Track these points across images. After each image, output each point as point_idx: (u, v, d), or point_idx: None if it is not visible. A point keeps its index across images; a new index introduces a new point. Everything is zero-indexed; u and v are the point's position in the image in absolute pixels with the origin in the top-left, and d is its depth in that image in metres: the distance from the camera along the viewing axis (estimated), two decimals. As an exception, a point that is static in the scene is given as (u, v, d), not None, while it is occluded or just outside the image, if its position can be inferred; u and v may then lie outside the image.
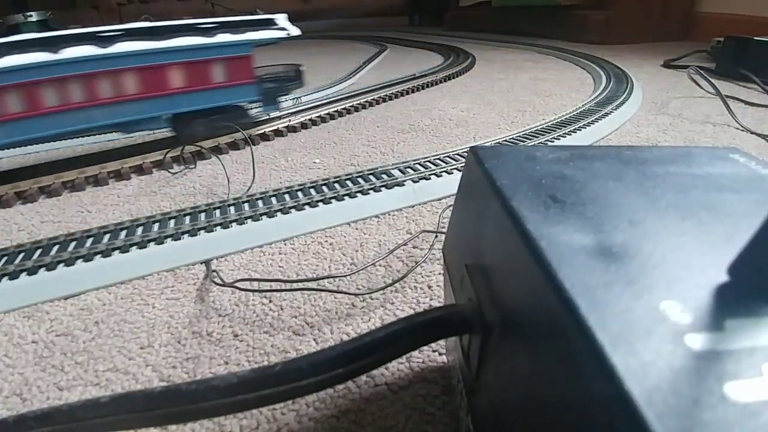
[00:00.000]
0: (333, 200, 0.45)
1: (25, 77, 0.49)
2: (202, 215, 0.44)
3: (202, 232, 0.41)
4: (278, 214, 0.43)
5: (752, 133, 0.64)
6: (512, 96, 0.91)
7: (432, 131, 0.71)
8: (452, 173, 0.51)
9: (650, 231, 0.13)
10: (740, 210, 0.15)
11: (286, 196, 0.47)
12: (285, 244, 0.41)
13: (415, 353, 0.27)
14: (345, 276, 0.35)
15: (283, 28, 0.66)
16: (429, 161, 0.55)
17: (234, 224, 0.42)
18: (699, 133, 0.65)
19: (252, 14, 0.67)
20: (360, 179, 0.50)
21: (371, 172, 0.52)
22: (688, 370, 0.09)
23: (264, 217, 0.43)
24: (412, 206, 0.47)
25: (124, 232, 0.41)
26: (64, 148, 0.73)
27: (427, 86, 1.03)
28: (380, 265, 0.37)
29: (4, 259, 0.38)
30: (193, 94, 0.60)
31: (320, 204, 0.45)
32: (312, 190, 0.48)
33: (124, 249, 0.38)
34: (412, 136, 0.69)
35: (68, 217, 0.48)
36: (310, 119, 0.77)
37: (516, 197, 0.15)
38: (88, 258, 0.37)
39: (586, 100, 0.80)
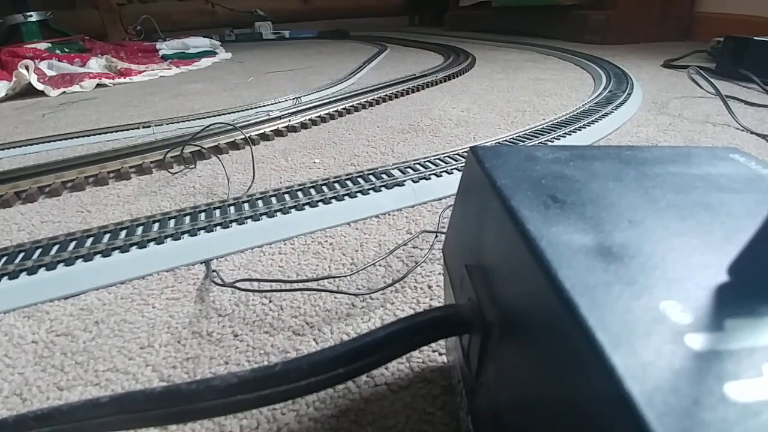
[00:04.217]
0: (333, 200, 0.45)
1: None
2: (202, 215, 0.44)
3: (202, 232, 0.41)
4: (278, 214, 0.43)
5: (752, 133, 0.64)
6: (512, 96, 0.91)
7: (432, 131, 0.71)
8: (452, 173, 0.51)
9: (650, 231, 0.13)
10: (740, 210, 0.15)
11: (286, 196, 0.47)
12: (285, 244, 0.41)
13: (415, 353, 0.27)
14: (345, 276, 0.35)
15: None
16: (429, 161, 0.55)
17: (234, 224, 0.42)
18: (699, 133, 0.65)
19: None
20: (360, 179, 0.50)
21: (371, 172, 0.52)
22: (688, 370, 0.09)
23: (264, 217, 0.43)
24: (412, 206, 0.47)
25: (124, 232, 0.41)
26: (64, 148, 0.73)
27: (427, 86, 1.03)
28: (380, 265, 0.37)
29: (4, 259, 0.38)
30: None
31: (320, 204, 0.45)
32: (312, 190, 0.48)
33: (124, 249, 0.38)
34: (412, 136, 0.69)
35: (68, 217, 0.48)
36: (310, 119, 0.77)
37: (516, 197, 0.15)
38: (88, 258, 0.37)
39: (586, 100, 0.80)
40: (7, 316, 0.33)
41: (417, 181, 0.49)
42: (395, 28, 2.79)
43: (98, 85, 1.29)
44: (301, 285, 0.35)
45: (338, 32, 2.36)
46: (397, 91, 0.95)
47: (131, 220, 0.43)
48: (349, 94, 0.92)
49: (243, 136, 0.67)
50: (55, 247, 0.39)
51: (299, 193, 0.48)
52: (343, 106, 0.84)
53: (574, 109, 0.74)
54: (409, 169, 0.52)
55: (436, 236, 0.40)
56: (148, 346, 0.29)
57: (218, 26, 2.61)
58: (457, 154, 0.56)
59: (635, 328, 0.10)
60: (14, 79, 1.20)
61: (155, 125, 0.81)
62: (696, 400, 0.08)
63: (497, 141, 0.62)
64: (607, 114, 0.71)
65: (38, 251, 0.38)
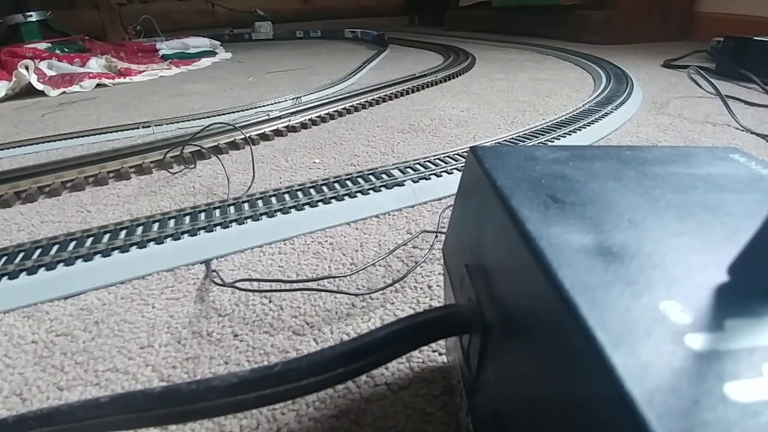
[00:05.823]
0: (333, 200, 0.45)
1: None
2: (202, 215, 0.44)
3: (202, 232, 0.41)
4: (278, 214, 0.43)
5: (752, 133, 0.64)
6: (512, 96, 0.91)
7: (432, 131, 0.71)
8: (452, 173, 0.51)
9: (650, 231, 0.13)
10: (740, 210, 0.15)
11: (286, 196, 0.47)
12: (285, 244, 0.41)
13: (415, 353, 0.27)
14: (345, 276, 0.35)
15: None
16: (429, 161, 0.55)
17: (234, 224, 0.42)
18: (699, 133, 0.65)
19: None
20: (360, 179, 0.50)
21: (371, 172, 0.52)
22: (688, 370, 0.09)
23: (264, 217, 0.43)
24: (412, 206, 0.46)
25: (124, 232, 0.41)
26: (64, 148, 0.73)
27: (427, 86, 1.03)
28: (380, 265, 0.37)
29: (4, 259, 0.38)
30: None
31: (320, 204, 0.45)
32: (312, 190, 0.48)
33: (124, 249, 0.38)
34: (412, 136, 0.69)
35: (68, 217, 0.48)
36: (310, 119, 0.77)
37: (516, 197, 0.15)
38: (88, 258, 0.37)
39: (586, 100, 0.80)
40: (7, 316, 0.33)
41: (417, 181, 0.49)
42: (395, 28, 2.79)
43: (98, 85, 1.29)
44: (301, 285, 0.35)
45: (381, 35, 2.35)
46: (397, 91, 0.95)
47: (131, 220, 0.43)
48: (349, 94, 0.92)
49: (243, 136, 0.67)
50: (55, 247, 0.39)
51: (299, 193, 0.48)
52: (343, 106, 0.84)
53: (574, 109, 0.74)
54: (409, 169, 0.52)
55: (436, 236, 0.40)
56: (148, 346, 0.29)
57: (218, 26, 2.61)
58: (457, 154, 0.56)
59: (635, 328, 0.10)
60: (14, 79, 1.20)
61: (155, 125, 0.81)
62: (696, 400, 0.08)
63: (497, 141, 0.62)
64: (607, 114, 0.71)
65: (38, 251, 0.38)
